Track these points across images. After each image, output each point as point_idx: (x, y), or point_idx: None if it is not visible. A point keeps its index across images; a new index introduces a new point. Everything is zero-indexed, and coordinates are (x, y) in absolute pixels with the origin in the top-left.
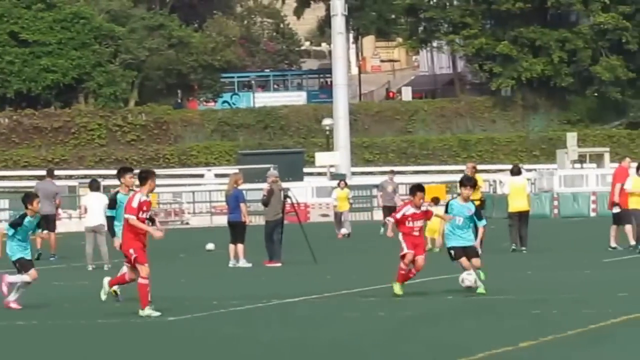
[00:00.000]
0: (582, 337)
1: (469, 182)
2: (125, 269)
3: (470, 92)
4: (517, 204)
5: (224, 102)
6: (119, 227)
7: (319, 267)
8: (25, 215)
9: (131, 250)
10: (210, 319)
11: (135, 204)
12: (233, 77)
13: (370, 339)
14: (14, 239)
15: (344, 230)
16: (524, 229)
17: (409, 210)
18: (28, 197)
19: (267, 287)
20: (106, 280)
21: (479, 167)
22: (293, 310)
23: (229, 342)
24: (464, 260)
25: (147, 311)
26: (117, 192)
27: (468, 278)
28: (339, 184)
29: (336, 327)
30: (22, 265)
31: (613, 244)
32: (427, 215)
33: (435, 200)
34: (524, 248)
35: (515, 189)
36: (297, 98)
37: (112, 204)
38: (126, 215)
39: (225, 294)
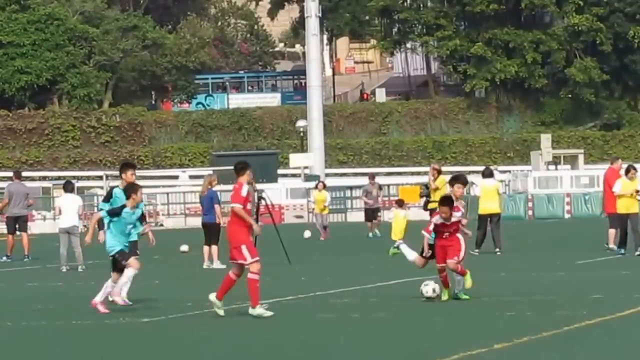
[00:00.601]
0: (556, 339)
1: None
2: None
3: (444, 93)
4: (487, 206)
5: (198, 103)
6: (108, 220)
7: (293, 268)
8: (124, 206)
9: (243, 246)
10: (184, 320)
11: (244, 193)
12: (207, 79)
13: (344, 340)
14: (110, 230)
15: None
16: (497, 231)
17: (438, 220)
18: (132, 188)
19: (241, 289)
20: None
21: (453, 168)
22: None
23: (203, 343)
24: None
25: (259, 310)
26: (116, 186)
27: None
28: (316, 186)
29: (310, 328)
30: (123, 256)
31: (611, 245)
32: (456, 226)
33: (400, 203)
34: (497, 250)
35: (487, 191)
36: (271, 99)
37: (108, 197)
38: (233, 204)
39: (200, 296)
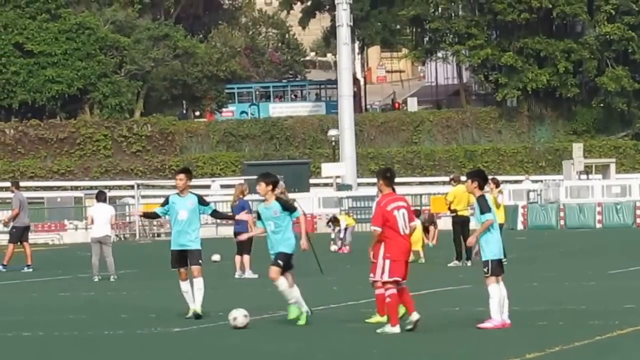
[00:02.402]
0: (588, 348)
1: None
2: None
3: (475, 102)
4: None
5: (242, 112)
6: None
7: (325, 278)
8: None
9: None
10: (215, 330)
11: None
12: (251, 88)
13: (374, 350)
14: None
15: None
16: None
17: None
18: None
19: (273, 299)
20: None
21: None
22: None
23: (235, 353)
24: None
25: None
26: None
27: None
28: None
29: (342, 338)
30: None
31: None
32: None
33: (416, 213)
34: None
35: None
36: (315, 108)
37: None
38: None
39: (231, 305)
